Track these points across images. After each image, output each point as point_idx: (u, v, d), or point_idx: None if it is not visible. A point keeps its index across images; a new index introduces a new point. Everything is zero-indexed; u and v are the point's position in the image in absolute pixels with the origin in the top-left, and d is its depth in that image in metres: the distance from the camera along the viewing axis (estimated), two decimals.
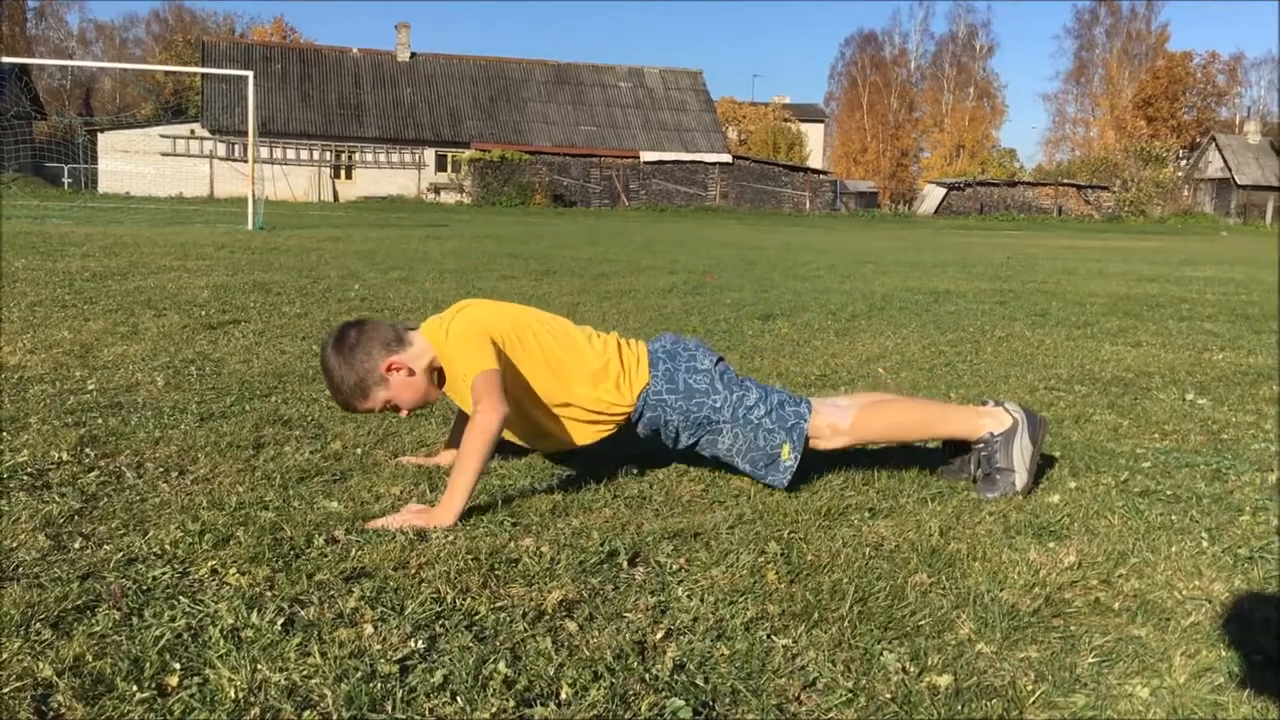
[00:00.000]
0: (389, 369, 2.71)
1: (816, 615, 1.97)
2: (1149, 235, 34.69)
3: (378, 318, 2.98)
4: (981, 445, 2.84)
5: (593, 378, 2.75)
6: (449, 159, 48.12)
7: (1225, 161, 60.61)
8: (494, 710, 1.59)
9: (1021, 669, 1.79)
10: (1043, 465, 3.01)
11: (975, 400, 4.03)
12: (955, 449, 2.93)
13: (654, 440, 2.90)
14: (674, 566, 2.22)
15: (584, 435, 2.82)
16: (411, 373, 2.73)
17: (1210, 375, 4.92)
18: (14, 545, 2.19)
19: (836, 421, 2.80)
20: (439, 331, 2.75)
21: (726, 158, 50.75)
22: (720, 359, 2.88)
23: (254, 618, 1.85)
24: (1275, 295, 9.85)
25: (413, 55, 51.25)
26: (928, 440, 3.03)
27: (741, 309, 7.26)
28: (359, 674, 1.67)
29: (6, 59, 41.54)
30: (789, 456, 2.73)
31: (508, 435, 2.77)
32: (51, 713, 1.53)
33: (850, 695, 1.68)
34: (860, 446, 2.94)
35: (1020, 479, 2.79)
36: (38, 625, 1.80)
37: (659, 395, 2.76)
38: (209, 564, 2.11)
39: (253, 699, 1.59)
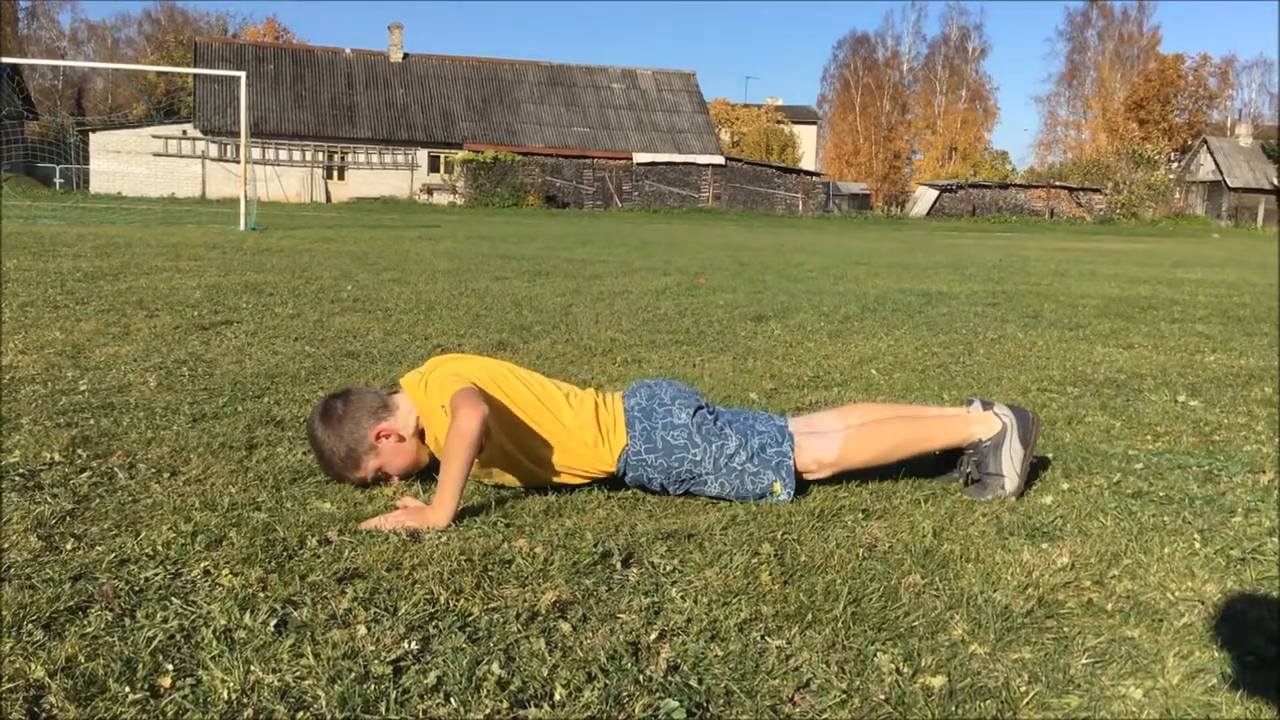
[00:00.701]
0: (378, 437, 2.71)
1: (810, 616, 1.97)
2: (1141, 237, 34.78)
3: (361, 386, 2.97)
4: (971, 450, 2.83)
5: (573, 442, 2.72)
6: (442, 160, 48.10)
7: (1217, 164, 60.80)
8: (488, 711, 1.58)
9: (1015, 670, 1.80)
10: (1036, 466, 3.02)
11: (967, 401, 4.04)
12: (948, 456, 2.92)
13: None
14: (668, 567, 2.21)
15: (566, 481, 2.80)
16: (401, 438, 2.73)
17: (1202, 377, 4.93)
18: (6, 546, 2.18)
19: (821, 456, 2.77)
20: (418, 388, 2.74)
21: (719, 159, 50.79)
22: (699, 407, 2.81)
23: (247, 619, 1.85)
24: (1266, 297, 9.88)
25: (405, 56, 51.23)
26: (918, 457, 2.98)
27: (734, 310, 7.26)
28: (352, 675, 1.66)
29: None
30: (781, 491, 2.71)
31: (498, 477, 2.76)
32: (44, 714, 1.53)
33: (844, 696, 1.68)
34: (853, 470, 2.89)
35: (1010, 483, 2.79)
36: (30, 626, 1.79)
37: (639, 455, 2.72)
38: (201, 565, 2.11)
39: (245, 700, 1.58)
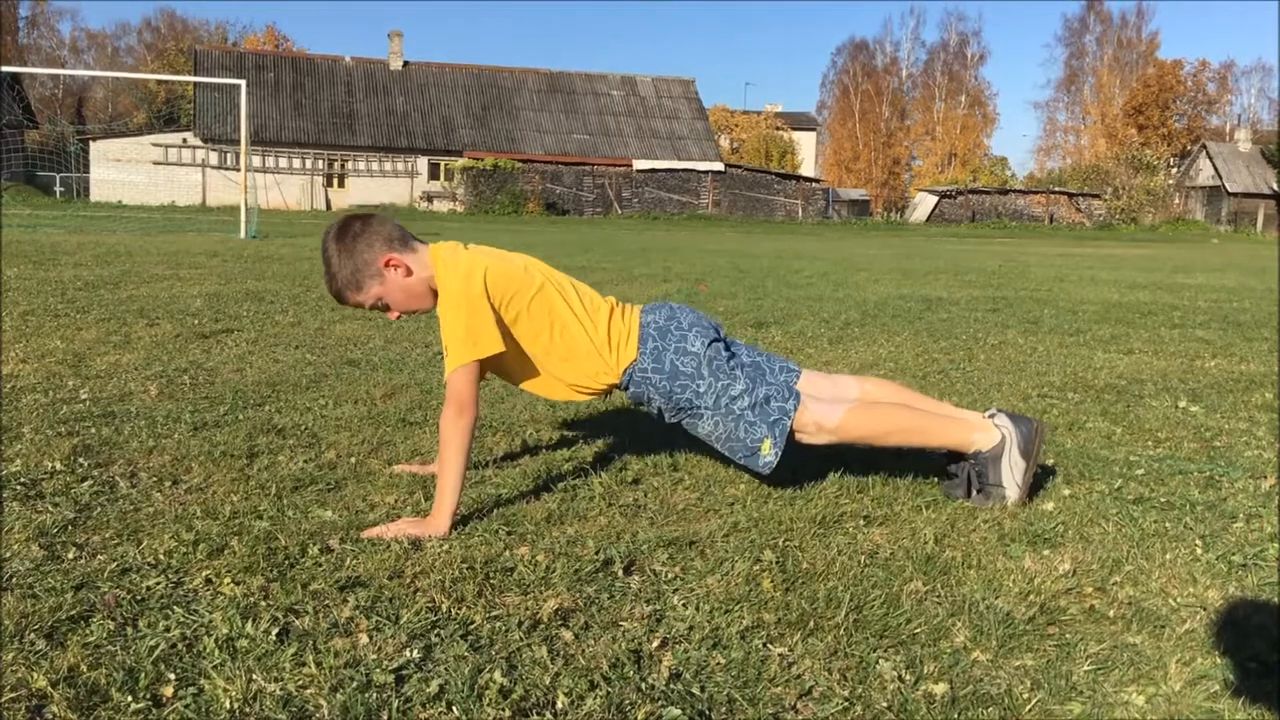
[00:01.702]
0: (387, 264, 2.62)
1: (812, 623, 1.97)
2: (1140, 243, 34.78)
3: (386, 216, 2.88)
4: (972, 460, 2.82)
5: (582, 353, 2.71)
6: (442, 167, 48.12)
7: (1216, 169, 60.83)
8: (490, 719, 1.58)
9: (1017, 677, 1.80)
10: (1039, 475, 3.00)
11: (973, 407, 4.04)
12: (954, 454, 2.91)
13: (649, 439, 2.90)
14: (669, 575, 2.21)
15: (565, 395, 2.80)
16: (410, 272, 2.64)
17: (1203, 382, 4.93)
18: (7, 555, 2.18)
19: (822, 420, 2.73)
20: (450, 255, 2.66)
21: (719, 166, 50.80)
22: (715, 339, 2.79)
23: (249, 627, 1.85)
24: (1266, 302, 9.88)
25: (405, 64, 51.27)
26: (915, 449, 2.97)
27: (735, 317, 7.26)
28: (354, 684, 1.66)
29: None
30: (769, 451, 2.69)
31: (492, 372, 2.75)
32: None
33: (846, 704, 1.68)
34: (845, 445, 2.88)
35: (1011, 494, 2.77)
36: (32, 636, 1.79)
37: (644, 373, 2.72)
38: (203, 574, 2.11)
39: (248, 709, 1.58)
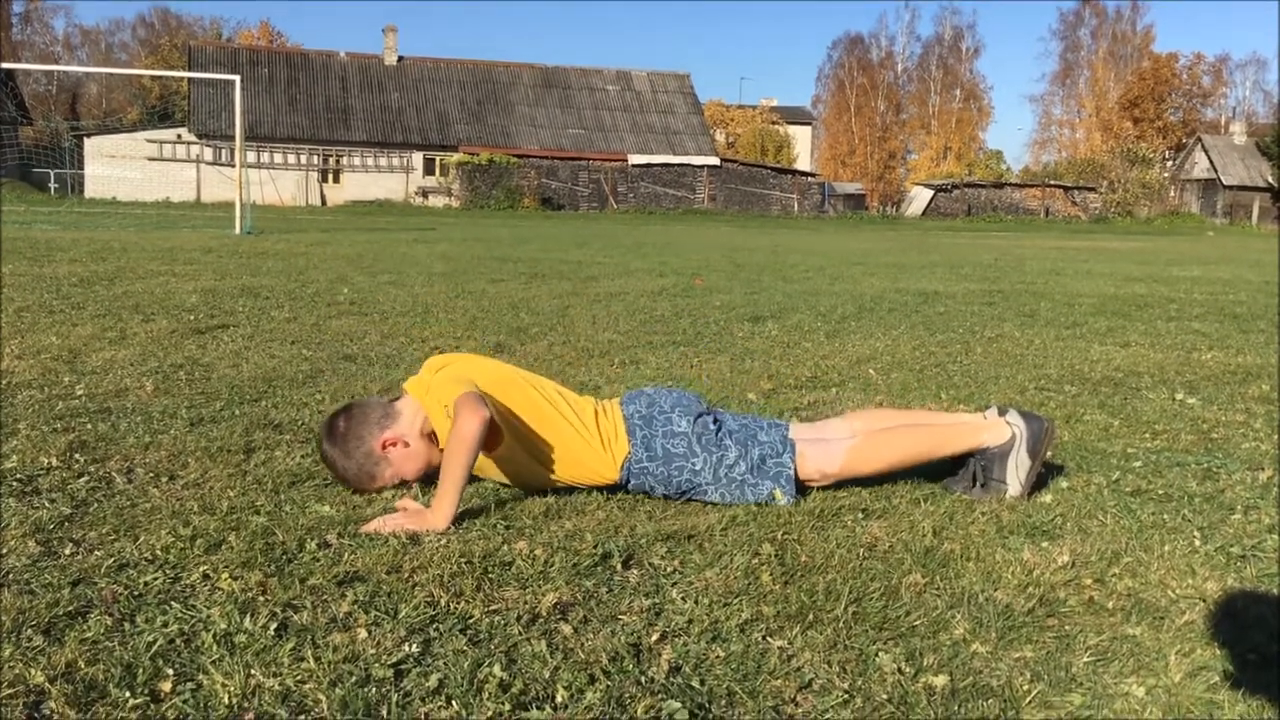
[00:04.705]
0: (384, 446, 2.70)
1: (811, 616, 1.97)
2: (1136, 236, 34.82)
3: (362, 398, 2.95)
4: (979, 456, 2.81)
5: (582, 448, 2.70)
6: (437, 162, 48.08)
7: (1211, 162, 60.90)
8: (490, 714, 1.58)
9: (1017, 669, 1.79)
10: (1044, 471, 2.98)
11: (971, 400, 4.03)
12: (959, 459, 2.90)
13: None
14: (668, 569, 2.21)
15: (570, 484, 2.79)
16: (407, 444, 2.72)
17: (1199, 375, 4.93)
18: (4, 551, 2.17)
19: (825, 466, 2.74)
20: (422, 391, 2.74)
21: (714, 160, 50.81)
22: (700, 414, 2.79)
23: (247, 623, 1.84)
24: (1262, 294, 9.89)
25: (400, 59, 51.21)
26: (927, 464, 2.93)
27: (731, 311, 7.26)
28: (353, 679, 1.66)
29: None
30: (783, 498, 2.69)
31: (494, 475, 2.76)
32: (44, 719, 1.52)
33: (847, 696, 1.68)
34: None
35: (1013, 490, 2.77)
36: (29, 632, 1.79)
37: (640, 464, 2.71)
38: (201, 569, 2.10)
39: (247, 704, 1.58)
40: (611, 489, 2.77)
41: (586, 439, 2.71)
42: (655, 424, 2.75)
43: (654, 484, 2.72)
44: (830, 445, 2.79)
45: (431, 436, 2.75)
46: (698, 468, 2.69)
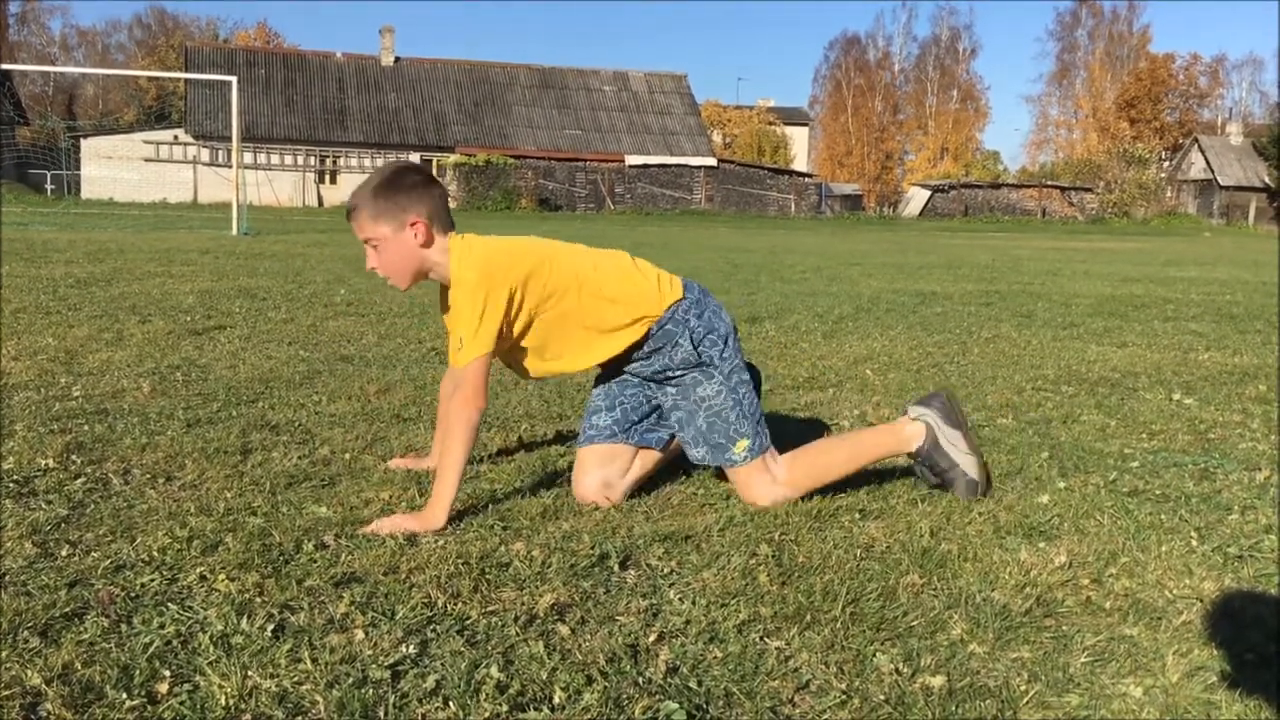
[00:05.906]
0: (413, 224, 2.58)
1: (809, 617, 1.97)
2: (1133, 236, 34.85)
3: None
4: (919, 459, 2.82)
5: (625, 282, 2.71)
6: (434, 163, 47.94)
7: (1208, 163, 60.91)
8: (487, 715, 1.58)
9: (1014, 669, 1.80)
10: (1030, 465, 2.99)
11: (967, 399, 4.03)
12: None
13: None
14: (665, 569, 2.21)
15: (590, 359, 2.74)
16: (425, 245, 2.60)
17: (1196, 375, 4.94)
18: (1, 553, 2.17)
19: (776, 471, 2.74)
20: (465, 248, 2.64)
21: (711, 161, 50.77)
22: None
23: (244, 624, 1.84)
24: (1259, 295, 9.90)
25: (397, 59, 51.15)
26: (865, 468, 2.89)
27: (729, 312, 7.25)
28: (350, 680, 1.66)
29: None
30: (742, 450, 2.68)
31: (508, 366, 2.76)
32: None
33: (844, 697, 1.68)
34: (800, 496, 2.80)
35: (968, 466, 2.76)
36: (25, 633, 1.78)
37: (686, 314, 2.72)
38: (198, 570, 2.10)
39: (244, 706, 1.58)
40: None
41: (630, 278, 2.74)
42: (709, 300, 2.83)
43: (681, 341, 2.71)
44: (780, 459, 2.78)
45: (424, 276, 2.67)
46: (725, 354, 2.75)
